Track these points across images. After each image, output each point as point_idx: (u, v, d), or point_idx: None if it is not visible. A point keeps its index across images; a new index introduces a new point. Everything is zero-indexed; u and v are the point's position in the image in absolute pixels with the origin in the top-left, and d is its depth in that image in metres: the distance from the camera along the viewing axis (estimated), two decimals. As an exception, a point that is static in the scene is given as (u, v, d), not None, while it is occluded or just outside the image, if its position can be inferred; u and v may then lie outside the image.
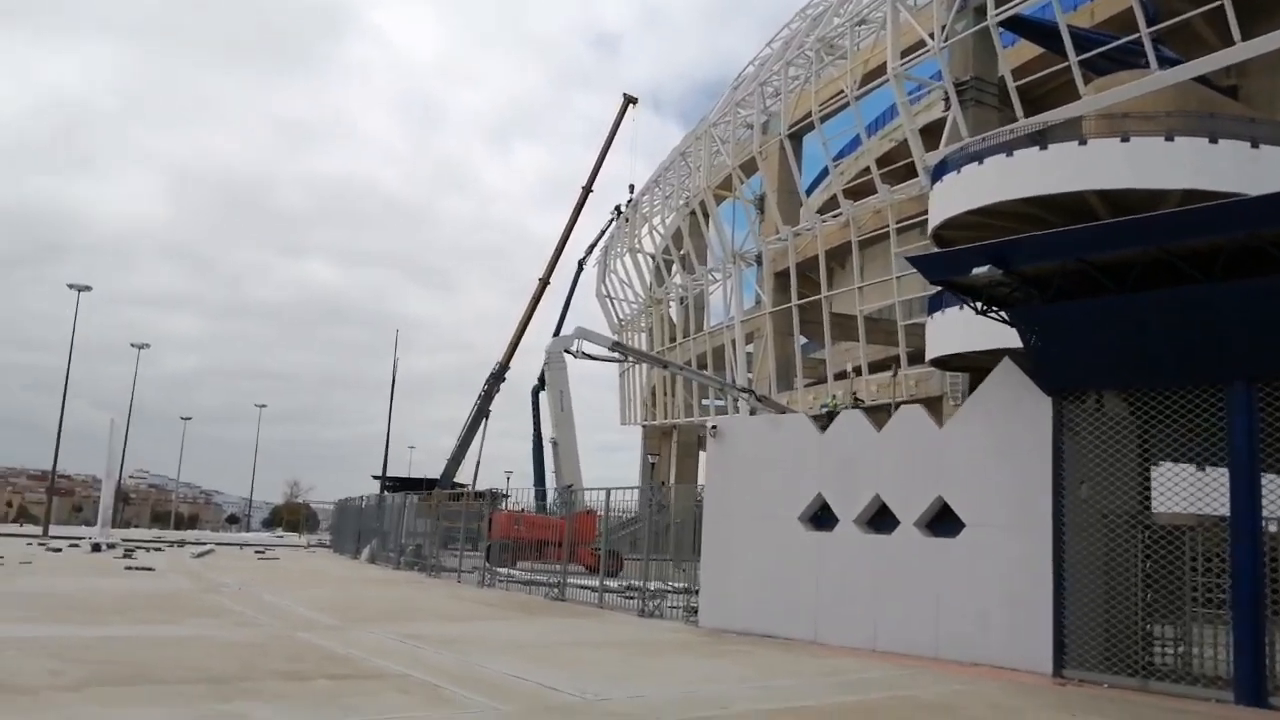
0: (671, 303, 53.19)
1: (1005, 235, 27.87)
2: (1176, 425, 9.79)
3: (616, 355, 32.65)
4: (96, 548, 28.29)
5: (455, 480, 48.61)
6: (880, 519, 12.24)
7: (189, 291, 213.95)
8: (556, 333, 45.53)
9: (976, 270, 10.07)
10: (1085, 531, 10.56)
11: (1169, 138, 23.39)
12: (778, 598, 13.00)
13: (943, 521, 11.59)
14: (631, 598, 17.29)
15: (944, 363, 28.81)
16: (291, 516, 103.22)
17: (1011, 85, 29.16)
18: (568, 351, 31.52)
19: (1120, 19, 31.89)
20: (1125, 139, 23.71)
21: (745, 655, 10.97)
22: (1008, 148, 25.59)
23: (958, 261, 10.36)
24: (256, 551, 33.91)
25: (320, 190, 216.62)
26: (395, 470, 59.53)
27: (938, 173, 28.93)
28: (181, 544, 37.16)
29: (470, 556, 24.32)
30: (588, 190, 52.48)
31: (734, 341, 43.46)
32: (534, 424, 49.22)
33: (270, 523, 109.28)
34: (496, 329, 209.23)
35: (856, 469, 12.49)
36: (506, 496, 31.07)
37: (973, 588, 11.06)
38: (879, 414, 15.03)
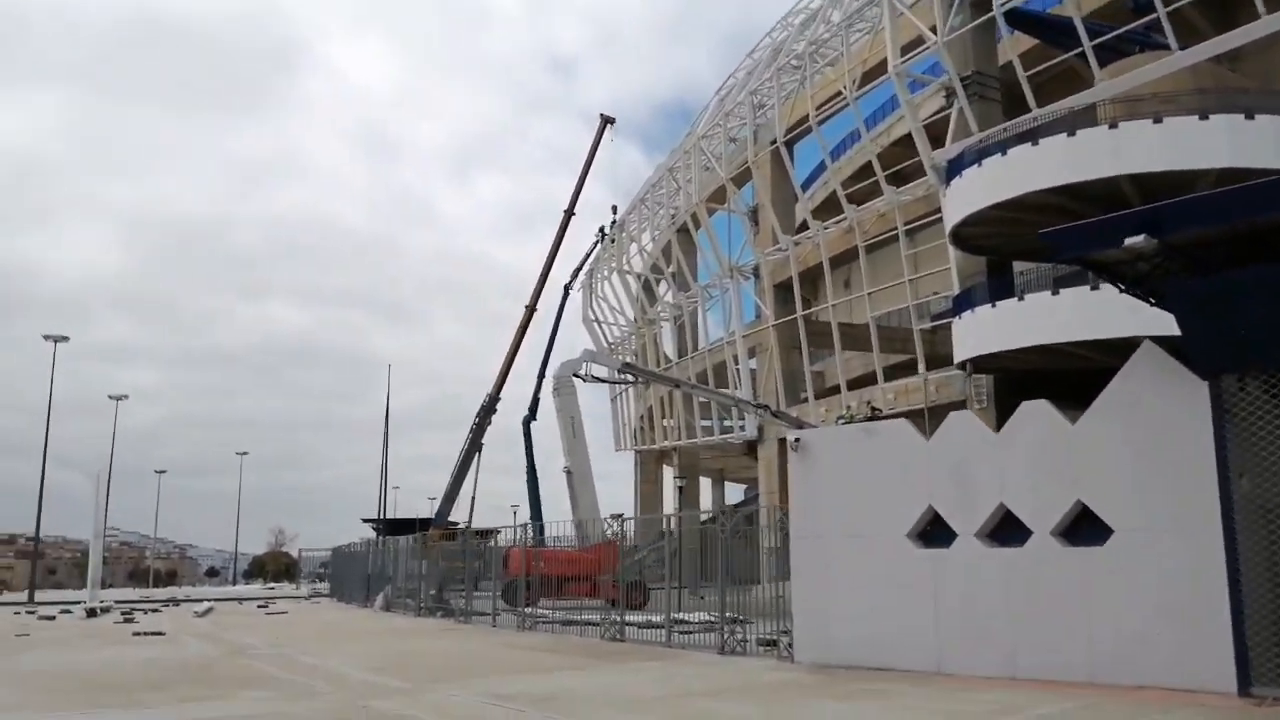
0: (664, 322, 51.94)
1: (1031, 229, 26.87)
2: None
3: (626, 377, 31.37)
4: (92, 613, 26.44)
5: (450, 518, 46.90)
6: (1005, 530, 11.01)
7: (147, 342, 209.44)
8: (545, 360, 44.07)
9: (1130, 241, 8.90)
10: (1251, 529, 9.41)
11: (1204, 116, 22.61)
12: (888, 625, 11.72)
13: (1084, 528, 10.39)
14: (689, 633, 15.99)
15: (974, 364, 27.79)
16: (276, 565, 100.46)
17: (1022, 75, 28.35)
18: (576, 375, 30.22)
19: (1105, 10, 31.30)
20: (1158, 120, 22.90)
21: (885, 695, 9.68)
22: (1032, 136, 24.73)
23: (1105, 231, 9.16)
24: (259, 605, 32.11)
25: (279, 230, 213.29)
26: (378, 511, 57.61)
27: (953, 169, 28.03)
28: (176, 602, 35.26)
29: (486, 597, 22.94)
30: (570, 213, 51.07)
31: (735, 357, 42.27)
32: (527, 455, 47.63)
33: (250, 574, 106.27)
34: (466, 362, 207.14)
35: (973, 476, 11.26)
36: (496, 533, 29.62)
37: (1129, 600, 9.86)
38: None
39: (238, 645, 16.72)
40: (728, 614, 14.79)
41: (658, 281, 52.80)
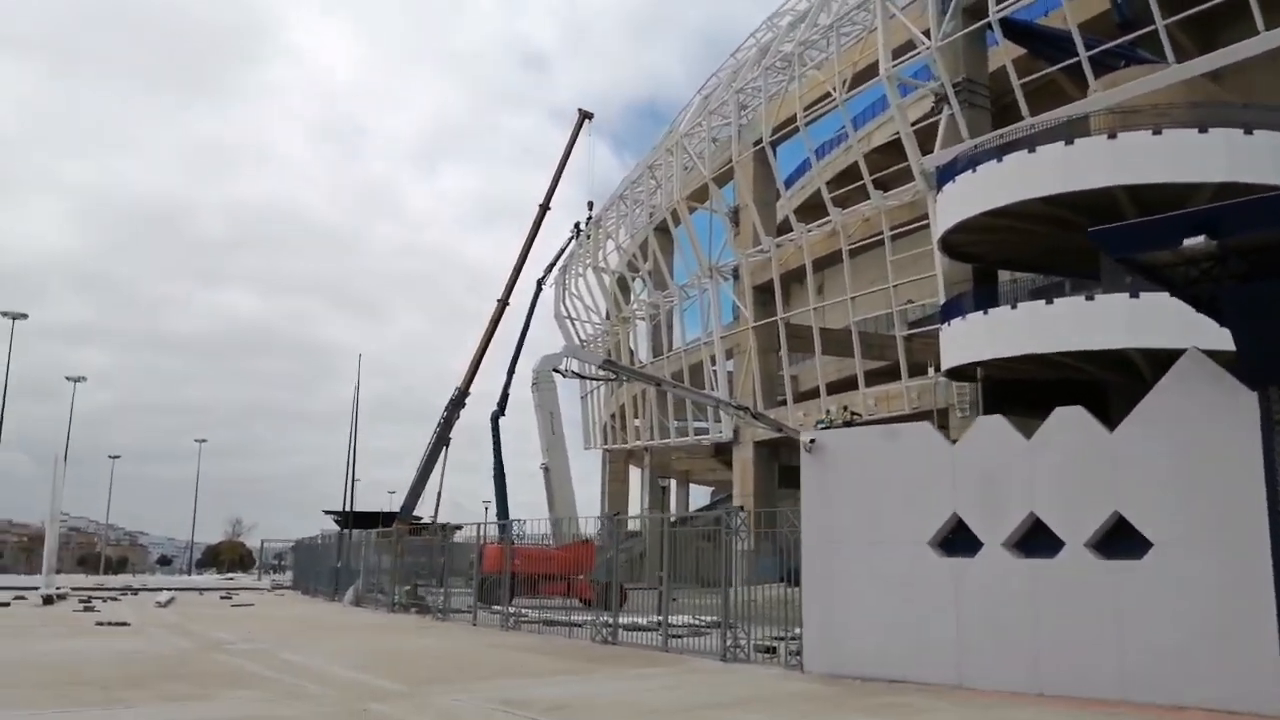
0: (639, 321, 51.37)
1: (1022, 238, 26.58)
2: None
3: (606, 374, 30.81)
4: (48, 600, 25.38)
5: (414, 513, 45.98)
6: (1034, 540, 10.61)
7: (101, 324, 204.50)
8: (516, 355, 43.30)
9: (1189, 242, 8.51)
10: (1293, 545, 9.09)
11: (1203, 129, 22.51)
12: (906, 636, 11.27)
13: (1120, 540, 10.01)
14: (678, 636, 15.45)
15: (961, 373, 27.58)
16: (231, 555, 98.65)
17: (1016, 84, 28.15)
18: (556, 370, 29.62)
19: (1091, 24, 31.25)
20: (1157, 132, 22.77)
21: (913, 710, 9.24)
22: (1029, 144, 24.53)
23: (1160, 231, 8.76)
24: (222, 597, 31.09)
25: (240, 217, 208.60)
26: (336, 504, 56.41)
27: (945, 175, 27.81)
28: (134, 591, 34.09)
29: (466, 594, 22.39)
30: (545, 207, 50.36)
31: (713, 358, 41.84)
32: (495, 451, 46.80)
33: (203, 563, 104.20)
34: (427, 356, 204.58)
35: (1002, 484, 10.84)
36: (458, 528, 28.91)
37: (1167, 616, 9.49)
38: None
39: (210, 639, 15.94)
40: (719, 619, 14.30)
41: (633, 279, 52.24)
